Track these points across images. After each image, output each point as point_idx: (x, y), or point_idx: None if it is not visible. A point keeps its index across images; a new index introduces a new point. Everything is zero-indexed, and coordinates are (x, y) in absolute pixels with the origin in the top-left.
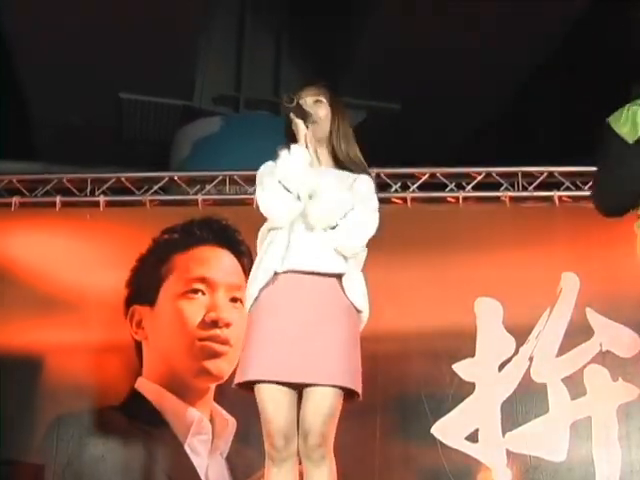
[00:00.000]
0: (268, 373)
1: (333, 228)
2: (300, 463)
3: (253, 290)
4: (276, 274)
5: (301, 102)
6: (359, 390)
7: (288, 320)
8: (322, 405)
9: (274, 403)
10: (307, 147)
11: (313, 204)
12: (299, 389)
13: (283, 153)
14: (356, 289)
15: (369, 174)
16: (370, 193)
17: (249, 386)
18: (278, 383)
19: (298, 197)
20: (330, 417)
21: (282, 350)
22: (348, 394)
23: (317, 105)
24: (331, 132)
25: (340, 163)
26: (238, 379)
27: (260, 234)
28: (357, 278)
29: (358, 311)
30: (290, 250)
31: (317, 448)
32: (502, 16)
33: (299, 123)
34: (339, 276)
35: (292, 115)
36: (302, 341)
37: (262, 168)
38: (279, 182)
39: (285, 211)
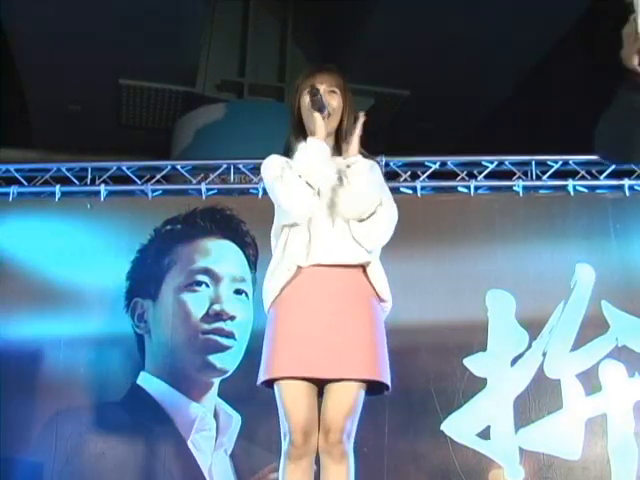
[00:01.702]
0: (291, 370)
1: (361, 221)
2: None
3: (275, 287)
4: (299, 268)
5: (314, 90)
6: (387, 381)
7: (311, 315)
8: (345, 400)
9: (294, 399)
10: (325, 139)
11: (343, 194)
12: (320, 385)
13: (301, 146)
14: (381, 278)
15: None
16: (383, 180)
17: (270, 383)
18: (298, 379)
19: (318, 192)
20: (352, 413)
21: (305, 346)
22: (374, 387)
23: (331, 95)
24: (341, 123)
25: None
26: (262, 377)
27: (273, 231)
28: (380, 267)
29: (382, 300)
30: (313, 244)
31: (338, 444)
32: (516, 2)
33: (317, 116)
34: (363, 266)
35: (310, 107)
36: (326, 336)
37: (267, 161)
38: (300, 177)
39: (306, 207)
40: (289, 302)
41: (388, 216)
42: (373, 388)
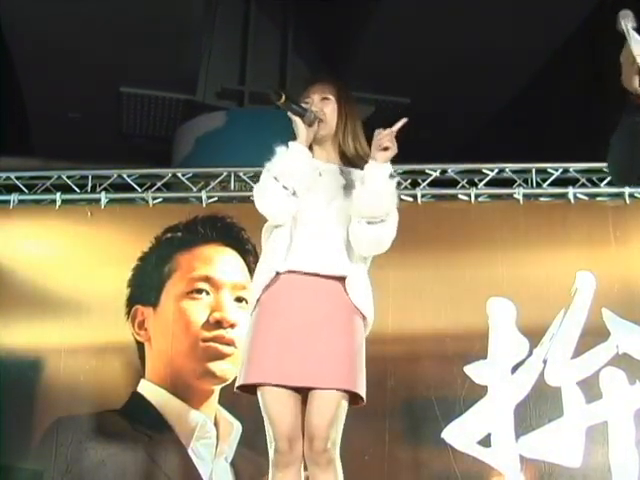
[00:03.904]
0: (270, 376)
1: (370, 223)
2: (305, 469)
3: (256, 291)
4: (277, 274)
5: (308, 100)
6: (363, 394)
7: (290, 322)
8: (327, 409)
9: (277, 406)
10: (308, 144)
11: (362, 191)
12: (303, 392)
13: (280, 149)
14: (360, 293)
15: None
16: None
17: (252, 389)
18: (281, 386)
19: (294, 193)
20: (336, 421)
21: (284, 353)
22: (352, 398)
23: (323, 102)
24: (337, 129)
25: (348, 160)
26: (239, 382)
27: (264, 231)
28: (361, 281)
29: (362, 317)
30: (292, 250)
31: (323, 453)
32: (516, 10)
33: (296, 120)
34: (342, 278)
35: (288, 113)
36: (305, 344)
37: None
38: (275, 178)
39: (281, 208)
40: (266, 308)
41: (394, 228)
42: (352, 399)
